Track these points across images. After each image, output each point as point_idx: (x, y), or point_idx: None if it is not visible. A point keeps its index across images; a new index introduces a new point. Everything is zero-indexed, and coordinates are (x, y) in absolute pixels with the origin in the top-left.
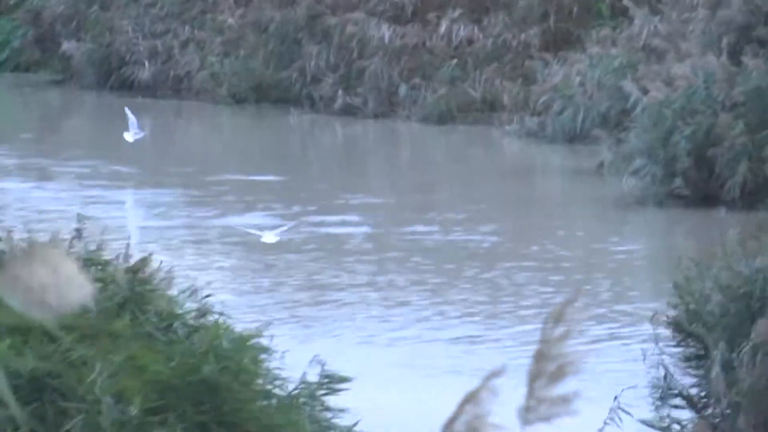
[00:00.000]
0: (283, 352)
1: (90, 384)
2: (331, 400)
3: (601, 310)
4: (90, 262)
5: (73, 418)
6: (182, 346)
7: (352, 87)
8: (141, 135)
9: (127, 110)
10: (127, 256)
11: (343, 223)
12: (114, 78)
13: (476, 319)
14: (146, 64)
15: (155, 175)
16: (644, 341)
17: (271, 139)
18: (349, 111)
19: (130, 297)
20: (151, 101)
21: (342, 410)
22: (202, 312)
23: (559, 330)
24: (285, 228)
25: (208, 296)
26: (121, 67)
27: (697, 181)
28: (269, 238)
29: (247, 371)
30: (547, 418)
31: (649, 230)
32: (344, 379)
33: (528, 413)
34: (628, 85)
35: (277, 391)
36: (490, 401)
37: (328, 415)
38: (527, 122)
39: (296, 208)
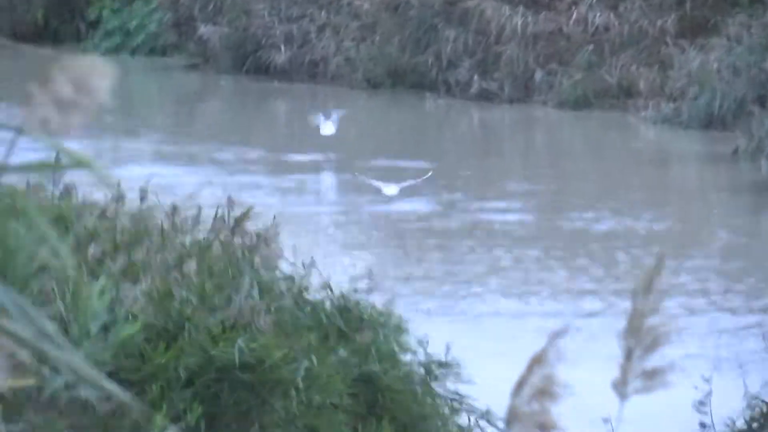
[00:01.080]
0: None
1: (282, 381)
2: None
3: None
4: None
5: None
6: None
7: (489, 72)
8: (335, 118)
9: (310, 119)
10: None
11: (496, 210)
12: (250, 62)
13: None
14: (282, 48)
15: (296, 161)
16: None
17: (410, 125)
18: (485, 96)
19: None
20: (287, 85)
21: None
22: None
23: (650, 300)
24: (410, 183)
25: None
26: (257, 51)
27: None
28: (391, 190)
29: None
30: (642, 391)
31: None
32: (453, 366)
33: (624, 386)
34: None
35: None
36: (556, 362)
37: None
38: (663, 108)
39: (445, 195)
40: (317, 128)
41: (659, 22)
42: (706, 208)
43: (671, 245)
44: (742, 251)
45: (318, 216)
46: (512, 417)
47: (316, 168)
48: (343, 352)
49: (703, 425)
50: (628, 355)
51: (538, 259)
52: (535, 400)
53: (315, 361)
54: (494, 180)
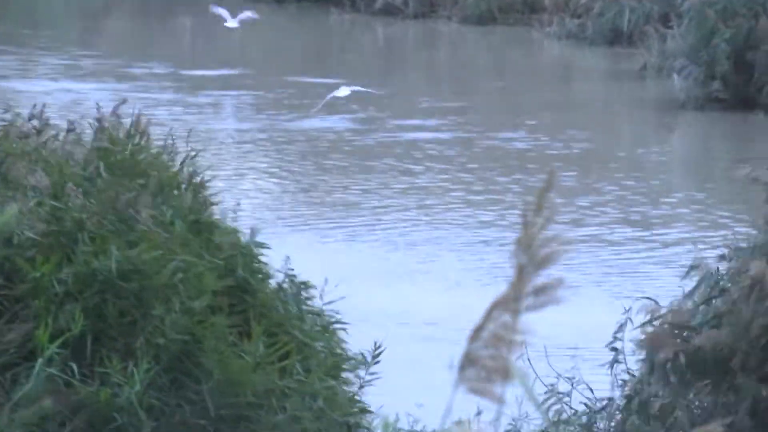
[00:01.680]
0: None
1: (162, 287)
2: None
3: (636, 210)
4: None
5: (134, 317)
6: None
7: None
8: (245, 17)
9: (212, 7)
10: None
11: (412, 128)
12: None
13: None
14: None
15: (203, 76)
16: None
17: (315, 40)
18: (389, 11)
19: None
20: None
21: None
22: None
23: (540, 218)
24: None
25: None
26: None
27: (736, 85)
28: (343, 91)
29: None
30: (534, 308)
31: (686, 133)
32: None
33: (515, 303)
34: None
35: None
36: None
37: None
38: (568, 24)
39: (360, 113)
40: (220, 19)
41: None
42: (616, 124)
43: (583, 163)
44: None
45: (234, 133)
46: (467, 362)
47: (228, 84)
48: (208, 258)
49: (614, 349)
50: (519, 273)
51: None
52: (491, 347)
53: (190, 264)
54: (404, 97)
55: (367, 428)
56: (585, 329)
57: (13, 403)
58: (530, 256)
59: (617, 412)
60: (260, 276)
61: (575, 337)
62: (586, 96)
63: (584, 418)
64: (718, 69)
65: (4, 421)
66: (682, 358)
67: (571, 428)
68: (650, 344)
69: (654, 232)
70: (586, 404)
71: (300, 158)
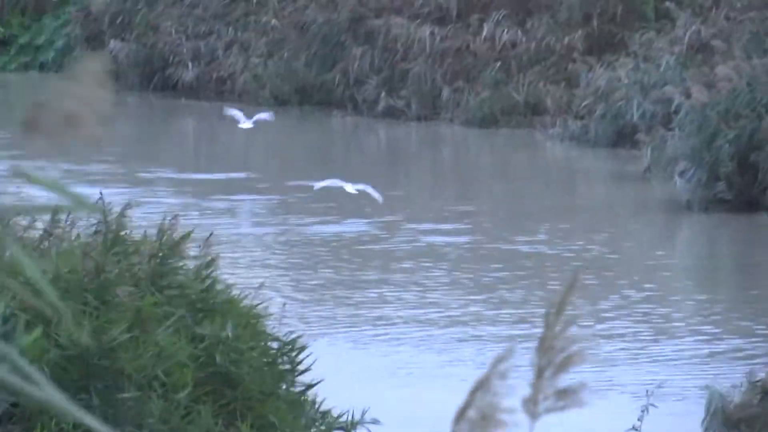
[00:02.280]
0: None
1: (140, 367)
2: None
3: (642, 310)
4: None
5: (120, 400)
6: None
7: (396, 89)
8: (261, 118)
9: (225, 110)
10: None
11: (433, 232)
12: (157, 78)
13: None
14: (189, 65)
15: (212, 180)
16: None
17: (318, 143)
18: (392, 114)
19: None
20: (195, 103)
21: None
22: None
23: (562, 319)
24: (364, 186)
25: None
26: (165, 68)
27: (740, 186)
28: (350, 188)
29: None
30: (554, 410)
31: (691, 236)
32: (302, 348)
33: (535, 406)
34: (670, 90)
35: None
36: (501, 388)
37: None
38: (570, 126)
39: (372, 216)
40: (234, 120)
41: (566, 39)
42: (624, 228)
43: (596, 266)
44: (667, 270)
45: (254, 237)
46: None
47: (239, 187)
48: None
49: None
50: (539, 374)
51: (460, 282)
52: (478, 429)
53: (167, 347)
54: (415, 200)
55: None
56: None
57: None
58: (550, 358)
59: None
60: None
61: None
62: (592, 200)
63: None
64: (722, 170)
65: None
66: None
67: None
68: None
69: (664, 335)
70: None
71: (320, 261)
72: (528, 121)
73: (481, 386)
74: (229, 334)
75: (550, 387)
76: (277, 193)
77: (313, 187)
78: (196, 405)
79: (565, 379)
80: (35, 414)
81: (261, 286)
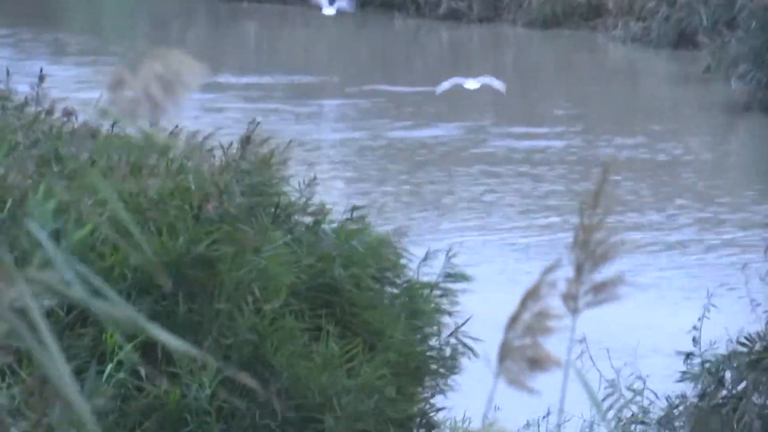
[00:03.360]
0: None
1: (232, 282)
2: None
3: (703, 212)
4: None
5: (203, 317)
6: (310, 248)
7: None
8: (342, 4)
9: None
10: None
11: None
12: None
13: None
14: None
15: (288, 85)
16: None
17: (382, 46)
18: (454, 15)
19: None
20: (256, 6)
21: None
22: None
23: (597, 215)
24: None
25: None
26: None
27: None
28: (471, 84)
29: (373, 276)
30: (594, 304)
31: (751, 135)
32: (465, 277)
33: (574, 300)
34: None
35: (394, 290)
36: (549, 294)
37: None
38: (632, 27)
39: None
40: (317, 5)
41: None
42: (682, 127)
43: (647, 165)
44: (716, 168)
45: (342, 141)
46: (505, 352)
47: (320, 91)
48: (307, 258)
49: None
50: (578, 270)
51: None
52: (528, 335)
53: (262, 261)
54: (472, 101)
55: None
56: (645, 328)
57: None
58: (588, 253)
59: (694, 410)
60: (354, 275)
61: (635, 336)
62: (655, 100)
63: (660, 414)
64: None
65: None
66: None
67: (643, 427)
68: None
69: (715, 233)
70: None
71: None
72: (590, 23)
73: (531, 295)
74: (359, 247)
75: (588, 282)
76: (355, 98)
77: (435, 91)
78: (288, 315)
79: (604, 273)
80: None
81: (381, 208)
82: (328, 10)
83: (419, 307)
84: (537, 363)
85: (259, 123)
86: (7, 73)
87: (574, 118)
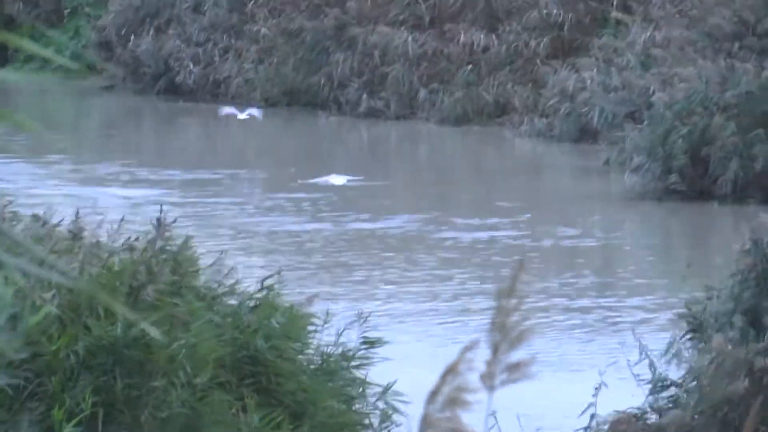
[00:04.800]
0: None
1: (164, 359)
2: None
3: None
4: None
5: (141, 391)
6: (234, 322)
7: (376, 91)
8: (252, 112)
9: (221, 110)
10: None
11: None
12: (161, 82)
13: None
14: (190, 67)
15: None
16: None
17: (306, 141)
18: (373, 113)
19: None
20: (192, 105)
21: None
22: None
23: (512, 302)
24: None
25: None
26: (167, 73)
27: (692, 178)
28: (339, 180)
29: (292, 347)
30: (508, 383)
31: (646, 223)
32: (379, 342)
33: (490, 380)
34: (650, 79)
35: (316, 359)
36: (467, 372)
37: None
38: (537, 123)
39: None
40: (230, 117)
41: (533, 44)
42: (581, 216)
43: (547, 254)
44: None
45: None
46: (426, 425)
47: (248, 183)
48: (219, 320)
49: (592, 416)
50: (494, 351)
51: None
52: (448, 408)
53: (192, 338)
54: (383, 192)
55: None
56: (554, 402)
57: None
58: (504, 336)
59: None
60: (275, 347)
61: (543, 409)
62: (556, 191)
63: None
64: (675, 163)
65: None
66: None
67: None
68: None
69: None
70: None
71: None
72: (498, 120)
73: (450, 371)
74: (276, 323)
75: (503, 362)
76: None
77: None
78: (217, 388)
79: (517, 355)
80: (57, 393)
81: (314, 297)
82: (242, 116)
83: (340, 374)
84: None
85: (165, 211)
86: None
87: (485, 210)
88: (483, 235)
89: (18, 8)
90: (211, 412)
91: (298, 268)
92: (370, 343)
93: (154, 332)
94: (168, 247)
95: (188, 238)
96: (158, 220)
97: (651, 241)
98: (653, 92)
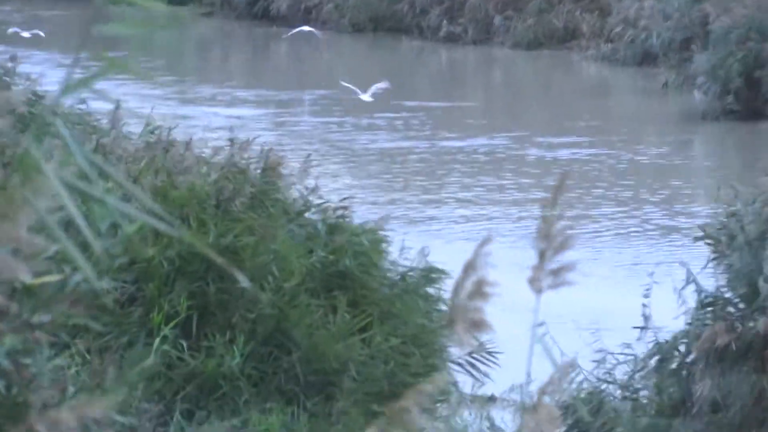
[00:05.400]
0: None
1: (253, 267)
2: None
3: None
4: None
5: (231, 295)
6: (321, 241)
7: (455, 18)
8: (378, 89)
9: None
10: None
11: (456, 139)
12: (258, 8)
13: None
14: None
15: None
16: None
17: (390, 65)
18: (451, 38)
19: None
20: (285, 29)
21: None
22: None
23: (556, 210)
24: (379, 87)
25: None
26: (261, 0)
27: (747, 99)
28: (366, 97)
29: (375, 264)
30: (553, 287)
31: (704, 143)
32: (442, 272)
33: (537, 282)
34: (707, 7)
35: (392, 275)
36: (485, 264)
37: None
38: (602, 48)
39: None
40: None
41: None
42: (643, 132)
43: (607, 165)
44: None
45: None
46: (452, 315)
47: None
48: (320, 252)
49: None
50: (540, 257)
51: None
52: (470, 300)
53: (279, 250)
54: (462, 113)
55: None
56: (603, 307)
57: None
58: (548, 243)
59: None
60: (362, 265)
61: (595, 314)
62: (621, 110)
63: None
64: (732, 85)
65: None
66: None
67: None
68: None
69: (662, 222)
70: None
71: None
72: (567, 45)
73: (470, 266)
74: (365, 242)
75: (548, 268)
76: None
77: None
78: (305, 294)
79: (560, 261)
80: (154, 298)
81: (386, 218)
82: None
83: (417, 291)
84: (477, 326)
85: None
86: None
87: (561, 129)
88: (564, 152)
89: None
90: (299, 313)
91: (387, 181)
92: (438, 271)
93: (243, 279)
94: (247, 163)
95: (268, 151)
96: (231, 139)
97: (706, 162)
98: (711, 20)
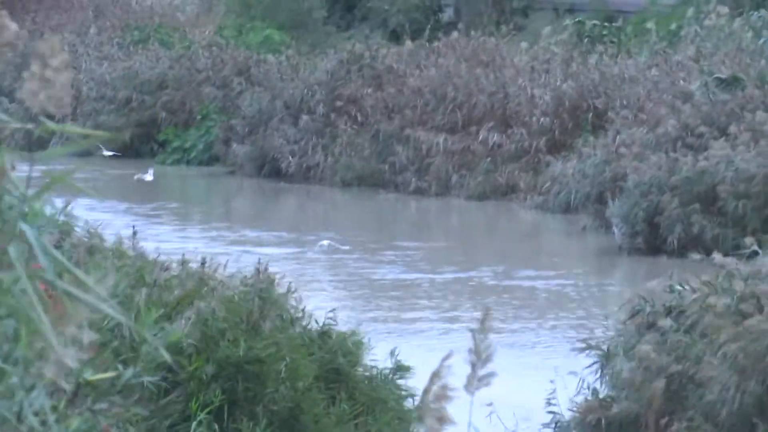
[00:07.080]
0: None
1: (274, 371)
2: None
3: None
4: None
5: (257, 393)
6: (316, 344)
7: (422, 176)
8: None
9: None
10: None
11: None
12: (266, 168)
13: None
14: (289, 159)
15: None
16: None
17: (370, 212)
18: (419, 191)
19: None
20: (288, 185)
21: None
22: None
23: (484, 334)
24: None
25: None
26: (272, 161)
27: (648, 239)
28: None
29: (359, 362)
30: (479, 388)
31: (616, 271)
32: (407, 369)
33: (471, 386)
34: (631, 168)
35: (369, 372)
36: (447, 375)
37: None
38: (536, 199)
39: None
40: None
41: (534, 143)
42: (568, 265)
43: (541, 296)
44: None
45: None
46: (421, 412)
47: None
48: (318, 352)
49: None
50: (473, 367)
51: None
52: (436, 401)
53: (294, 358)
54: (435, 252)
55: None
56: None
57: None
58: (478, 357)
59: None
60: (352, 363)
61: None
62: (549, 246)
63: None
64: (638, 228)
65: None
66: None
67: None
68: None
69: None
70: None
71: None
72: (508, 197)
73: (436, 375)
74: (350, 344)
75: (478, 375)
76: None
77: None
78: (311, 390)
79: (486, 369)
80: (193, 393)
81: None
82: (148, 177)
83: (390, 382)
84: (442, 420)
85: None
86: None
87: (499, 262)
88: (507, 282)
89: (161, 116)
90: (309, 406)
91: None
92: (405, 368)
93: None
94: (263, 287)
95: (272, 280)
96: (257, 269)
97: (613, 287)
98: (621, 177)
